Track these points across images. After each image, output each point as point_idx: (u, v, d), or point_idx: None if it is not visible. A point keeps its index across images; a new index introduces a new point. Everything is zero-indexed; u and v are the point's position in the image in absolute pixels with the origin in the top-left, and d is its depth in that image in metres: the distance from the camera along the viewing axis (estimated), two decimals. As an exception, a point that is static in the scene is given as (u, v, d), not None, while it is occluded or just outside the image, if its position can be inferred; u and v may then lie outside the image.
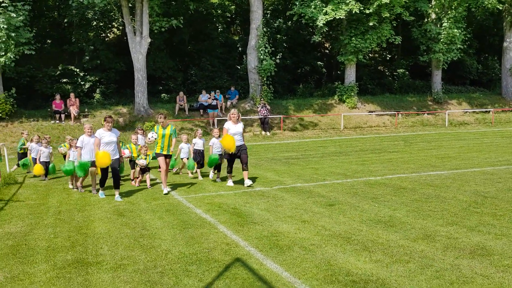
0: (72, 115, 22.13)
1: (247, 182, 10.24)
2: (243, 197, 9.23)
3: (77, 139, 10.48)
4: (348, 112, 26.56)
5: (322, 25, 24.19)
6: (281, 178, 11.56)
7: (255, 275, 4.91)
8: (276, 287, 4.57)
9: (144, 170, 10.99)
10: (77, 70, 26.58)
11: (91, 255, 5.75)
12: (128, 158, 11.46)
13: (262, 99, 24.67)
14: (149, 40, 23.23)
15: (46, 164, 12.39)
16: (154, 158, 11.25)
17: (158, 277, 4.93)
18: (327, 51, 34.47)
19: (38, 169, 11.91)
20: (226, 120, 26.36)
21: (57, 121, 22.09)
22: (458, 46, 28.49)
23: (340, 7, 23.83)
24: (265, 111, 23.39)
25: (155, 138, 9.87)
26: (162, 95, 28.21)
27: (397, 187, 9.82)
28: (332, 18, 24.18)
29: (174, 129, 10.17)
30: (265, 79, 25.52)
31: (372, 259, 5.34)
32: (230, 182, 10.55)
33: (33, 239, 6.57)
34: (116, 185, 9.56)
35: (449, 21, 27.51)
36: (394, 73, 34.23)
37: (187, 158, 12.39)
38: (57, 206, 8.96)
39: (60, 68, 26.21)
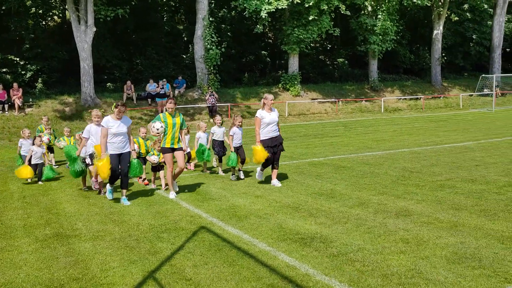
0: (16, 105, 21.74)
1: (275, 182, 8.91)
2: (199, 179, 10.01)
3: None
4: (292, 100, 27.77)
5: (265, 16, 25.10)
6: (233, 161, 12.39)
7: (219, 238, 5.75)
8: (239, 245, 5.44)
9: (156, 168, 9.32)
10: (17, 59, 25.92)
11: (68, 230, 6.35)
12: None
13: (209, 87, 25.31)
14: (95, 29, 23.14)
15: (38, 167, 10.25)
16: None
17: (135, 243, 5.65)
18: (271, 41, 35.51)
19: (24, 171, 9.99)
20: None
21: (1, 112, 21.63)
22: (392, 37, 30.44)
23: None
24: (213, 100, 24.06)
25: (165, 129, 8.19)
26: (108, 84, 28.12)
27: (338, 166, 10.96)
28: (274, 9, 25.15)
29: (183, 118, 8.59)
30: (211, 68, 26.15)
31: (317, 222, 6.33)
32: (260, 176, 9.14)
33: (7, 219, 7.03)
34: (124, 185, 8.04)
35: (383, 14, 29.33)
36: (335, 63, 35.90)
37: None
38: (20, 192, 9.32)
39: (-2, 57, 25.45)
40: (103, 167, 7.65)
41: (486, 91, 32.03)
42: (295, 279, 4.39)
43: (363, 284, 4.22)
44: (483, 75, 32.17)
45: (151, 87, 24.50)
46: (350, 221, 6.32)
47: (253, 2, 25.04)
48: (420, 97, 31.11)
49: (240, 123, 9.92)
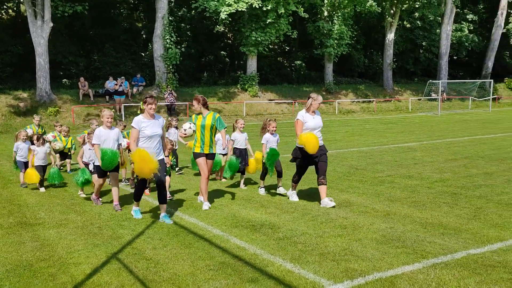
0: (-32, 100, 21.23)
1: (326, 202, 7.12)
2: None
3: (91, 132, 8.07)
4: (250, 100, 28.42)
5: (225, 17, 25.64)
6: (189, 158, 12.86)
7: (177, 225, 6.25)
8: (195, 231, 5.97)
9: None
10: (-32, 52, 25.28)
11: (31, 219, 6.67)
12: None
13: (168, 86, 25.56)
14: (51, 24, 22.91)
15: (43, 169, 9.00)
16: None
17: (98, 230, 6.07)
18: (230, 41, 36.05)
19: (32, 175, 8.71)
20: (134, 107, 26.39)
21: (-49, 106, 21.07)
22: (347, 41, 31.70)
23: (242, -1, 25.50)
24: (172, 98, 24.35)
25: (194, 131, 7.20)
26: (64, 80, 27.81)
27: (290, 163, 11.62)
28: (234, 10, 25.73)
29: (218, 118, 7.28)
30: (170, 67, 26.42)
31: (267, 212, 6.94)
32: (293, 196, 7.71)
33: (-31, 210, 7.24)
34: (163, 199, 6.57)
35: (339, 19, 30.52)
36: (292, 65, 36.86)
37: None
38: (-22, 185, 9.44)
39: None
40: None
41: (433, 95, 33.84)
42: (244, 257, 4.96)
43: (303, 261, 4.85)
44: (430, 80, 33.97)
45: (110, 84, 24.48)
46: (297, 210, 6.98)
47: (212, 3, 25.51)
48: (373, 100, 32.52)
49: (275, 128, 8.40)
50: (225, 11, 25.37)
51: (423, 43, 38.92)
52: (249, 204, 7.46)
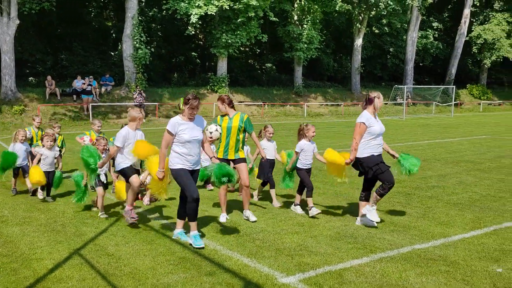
0: None
1: (373, 214, 6.21)
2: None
3: (99, 137, 7.35)
4: (219, 101, 28.57)
5: (195, 21, 25.75)
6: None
7: (140, 223, 6.41)
8: (157, 228, 6.16)
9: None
10: None
11: (-6, 217, 6.70)
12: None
13: (137, 86, 25.50)
14: (18, 21, 22.55)
15: (49, 175, 7.69)
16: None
17: (61, 228, 6.17)
18: (201, 43, 36.15)
19: (34, 173, 7.46)
20: (102, 107, 26.01)
21: None
22: (316, 46, 32.31)
23: (212, 2, 25.65)
24: (141, 98, 24.30)
25: (221, 133, 6.53)
26: (30, 78, 27.35)
27: (255, 165, 11.90)
28: (204, 13, 25.90)
29: (247, 120, 6.67)
30: (140, 67, 26.35)
31: (230, 211, 7.18)
32: (373, 214, 6.20)
33: None
34: (193, 214, 5.54)
35: (308, 24, 31.11)
36: (263, 67, 37.27)
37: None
38: None
39: None
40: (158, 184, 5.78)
41: (399, 100, 34.83)
42: (203, 253, 5.19)
43: (259, 255, 5.11)
44: (396, 85, 34.95)
45: (78, 83, 24.22)
46: (259, 209, 7.25)
47: (183, 4, 25.59)
48: (341, 104, 33.21)
49: (314, 134, 7.06)
50: (195, 14, 25.49)
51: (391, 49, 40.00)
52: (214, 203, 7.68)
